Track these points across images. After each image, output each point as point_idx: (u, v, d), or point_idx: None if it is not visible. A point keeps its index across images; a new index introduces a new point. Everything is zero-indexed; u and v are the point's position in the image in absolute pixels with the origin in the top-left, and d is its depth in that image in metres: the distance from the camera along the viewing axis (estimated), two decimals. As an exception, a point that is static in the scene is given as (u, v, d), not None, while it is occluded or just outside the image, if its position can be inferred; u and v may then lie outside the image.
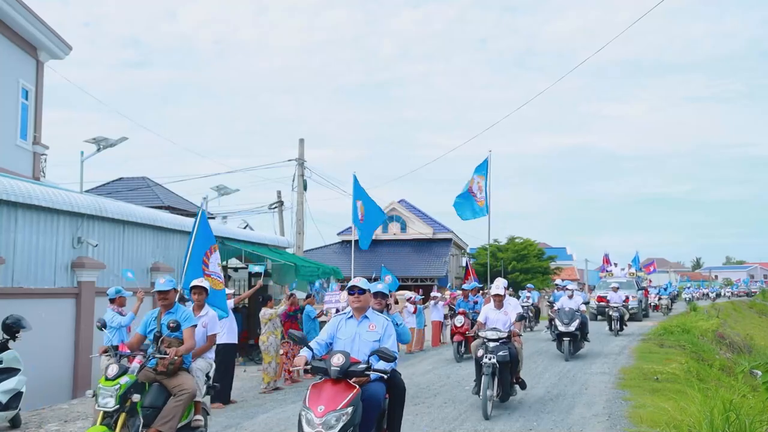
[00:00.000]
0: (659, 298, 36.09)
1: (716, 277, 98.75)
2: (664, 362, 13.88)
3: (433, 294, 20.18)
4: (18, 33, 15.09)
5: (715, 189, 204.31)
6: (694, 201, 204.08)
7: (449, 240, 42.57)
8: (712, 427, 6.39)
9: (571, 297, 15.80)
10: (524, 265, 43.05)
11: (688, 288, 61.75)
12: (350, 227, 44.07)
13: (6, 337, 8.78)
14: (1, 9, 14.05)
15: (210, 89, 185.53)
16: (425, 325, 19.24)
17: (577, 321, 14.94)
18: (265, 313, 12.31)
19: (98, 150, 17.08)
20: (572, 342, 14.99)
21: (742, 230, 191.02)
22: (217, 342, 10.26)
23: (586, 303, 14.59)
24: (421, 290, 22.46)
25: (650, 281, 46.89)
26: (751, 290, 76.89)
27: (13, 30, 14.90)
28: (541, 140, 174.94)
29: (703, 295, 61.11)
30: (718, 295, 64.09)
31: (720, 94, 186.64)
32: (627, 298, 23.83)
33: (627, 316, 22.52)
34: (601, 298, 27.22)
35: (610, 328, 21.35)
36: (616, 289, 22.52)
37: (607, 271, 38.80)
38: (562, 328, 15.02)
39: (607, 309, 22.03)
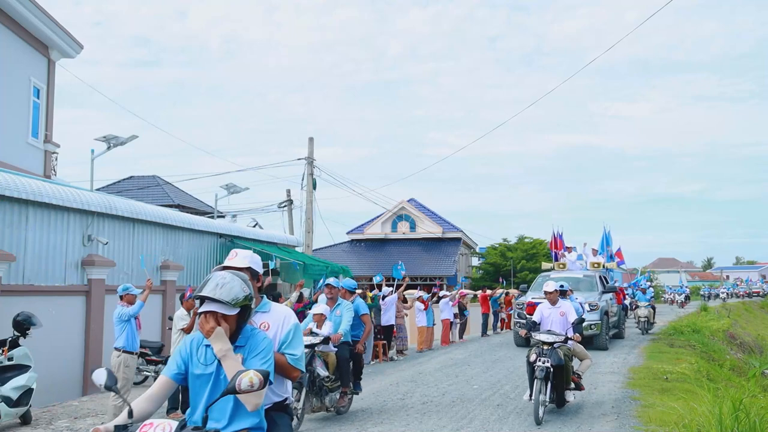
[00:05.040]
0: (635, 306, 24.75)
1: (727, 277, 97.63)
2: (674, 362, 13.83)
3: (443, 293, 20.24)
4: (30, 32, 15.18)
5: (724, 189, 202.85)
6: (703, 201, 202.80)
7: (458, 239, 42.57)
8: (721, 427, 6.35)
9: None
10: (534, 265, 43.05)
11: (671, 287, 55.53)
12: (359, 226, 44.32)
13: (17, 334, 8.85)
14: (14, 8, 14.15)
15: (220, 88, 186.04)
16: (434, 324, 19.22)
17: None
18: None
19: (108, 148, 17.17)
20: None
21: (752, 230, 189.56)
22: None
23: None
24: (426, 288, 22.49)
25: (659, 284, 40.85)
26: (752, 290, 67.35)
27: (25, 29, 14.99)
28: (549, 139, 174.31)
29: (681, 296, 47.73)
30: (700, 295, 55.56)
31: (730, 93, 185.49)
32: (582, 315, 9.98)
33: (579, 367, 9.40)
34: (533, 308, 12.60)
35: (530, 396, 8.42)
36: (556, 297, 9.36)
37: (559, 259, 22.17)
38: None
39: (532, 348, 8.55)
